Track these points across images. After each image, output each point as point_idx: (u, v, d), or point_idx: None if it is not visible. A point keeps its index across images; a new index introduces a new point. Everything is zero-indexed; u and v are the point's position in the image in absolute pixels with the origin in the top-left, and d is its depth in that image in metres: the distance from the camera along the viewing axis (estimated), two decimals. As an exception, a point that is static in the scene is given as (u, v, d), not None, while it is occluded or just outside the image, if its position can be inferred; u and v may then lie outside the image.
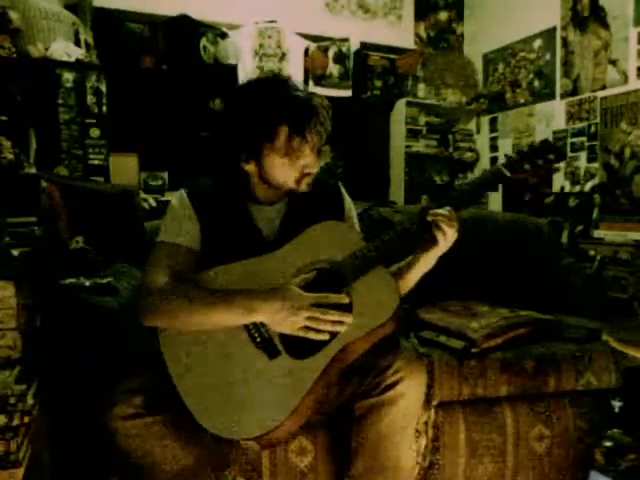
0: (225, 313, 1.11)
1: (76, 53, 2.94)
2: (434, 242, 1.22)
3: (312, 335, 1.10)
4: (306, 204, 1.31)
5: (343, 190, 1.43)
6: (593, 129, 3.57)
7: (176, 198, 1.30)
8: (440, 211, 1.20)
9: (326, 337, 1.10)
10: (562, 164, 3.69)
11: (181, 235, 1.24)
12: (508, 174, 1.24)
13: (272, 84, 1.24)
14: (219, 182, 1.34)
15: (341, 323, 1.10)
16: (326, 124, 1.22)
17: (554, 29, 3.87)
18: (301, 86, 1.26)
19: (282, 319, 1.10)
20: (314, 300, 1.11)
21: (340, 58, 4.32)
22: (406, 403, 1.14)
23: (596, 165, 3.55)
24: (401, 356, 1.16)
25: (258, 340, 1.13)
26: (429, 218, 1.20)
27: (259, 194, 1.31)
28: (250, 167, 1.25)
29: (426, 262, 1.27)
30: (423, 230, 1.22)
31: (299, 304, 1.10)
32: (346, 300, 1.13)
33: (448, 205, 1.22)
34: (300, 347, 1.11)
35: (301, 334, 1.10)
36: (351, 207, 1.43)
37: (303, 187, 1.26)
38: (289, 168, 1.22)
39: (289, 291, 1.12)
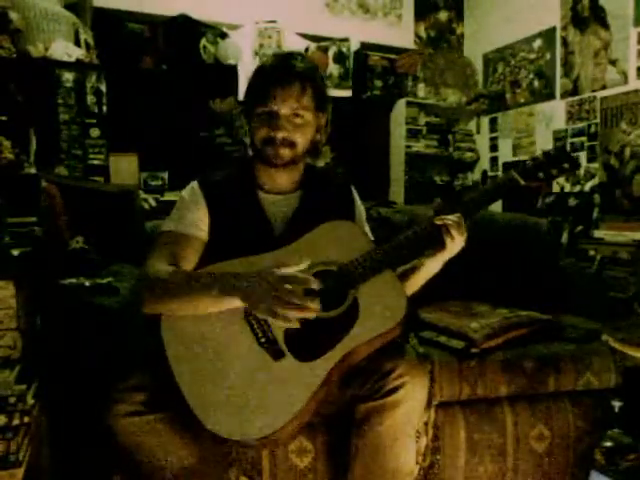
0: (203, 293, 1.10)
1: (76, 53, 2.94)
2: (442, 247, 1.23)
3: (279, 321, 1.03)
4: (318, 200, 1.33)
5: (355, 192, 1.45)
6: (593, 129, 3.57)
7: (187, 189, 1.34)
8: (450, 217, 1.21)
9: (296, 325, 1.04)
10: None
11: (184, 223, 1.26)
12: (522, 182, 1.24)
13: (274, 57, 1.35)
14: (230, 171, 1.38)
15: (307, 308, 1.02)
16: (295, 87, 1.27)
17: (554, 29, 3.87)
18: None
19: (256, 299, 1.05)
20: (281, 274, 1.05)
21: (340, 58, 4.32)
22: (408, 407, 1.13)
23: (596, 165, 3.55)
24: (404, 360, 1.16)
25: (262, 340, 1.12)
26: (439, 222, 1.21)
27: (265, 181, 1.34)
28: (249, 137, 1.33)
29: (432, 267, 1.29)
30: (432, 235, 1.22)
31: (268, 279, 1.04)
32: (315, 284, 1.06)
33: (460, 211, 1.23)
34: (305, 349, 1.10)
35: (270, 318, 1.05)
36: (361, 210, 1.44)
37: (269, 152, 1.27)
38: (259, 125, 1.27)
39: (267, 272, 1.07)
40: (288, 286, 1.03)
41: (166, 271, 1.18)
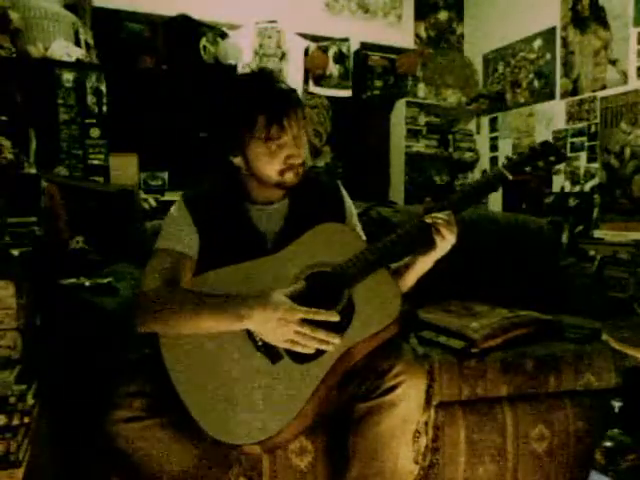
0: (214, 319, 1.10)
1: (76, 53, 2.94)
2: (432, 246, 1.23)
3: (298, 349, 1.08)
4: (307, 205, 1.32)
5: (343, 189, 1.44)
6: (593, 129, 3.57)
7: (174, 206, 1.32)
8: (440, 215, 1.21)
9: (311, 351, 1.09)
10: (562, 165, 3.69)
11: (176, 241, 1.25)
12: (510, 176, 1.25)
13: (253, 77, 1.30)
14: (216, 185, 1.35)
15: (327, 343, 1.08)
16: (320, 121, 1.28)
17: (554, 29, 3.87)
18: (297, 85, 1.31)
19: (270, 329, 1.08)
20: (304, 315, 1.08)
21: (340, 58, 4.32)
22: (405, 407, 1.13)
23: (596, 165, 3.55)
24: (402, 359, 1.16)
25: (260, 344, 1.12)
26: (429, 221, 1.21)
27: (255, 194, 1.32)
28: (238, 160, 1.28)
29: (423, 265, 1.29)
30: (422, 233, 1.22)
31: (289, 317, 1.07)
32: (336, 318, 1.10)
33: (449, 208, 1.22)
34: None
35: (287, 346, 1.09)
36: (351, 206, 1.43)
37: (288, 179, 1.26)
38: (271, 158, 1.23)
39: (281, 302, 1.10)
40: (309, 328, 1.07)
41: (168, 292, 1.17)
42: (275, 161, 1.23)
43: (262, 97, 1.22)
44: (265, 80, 1.26)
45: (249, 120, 1.21)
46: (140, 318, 1.15)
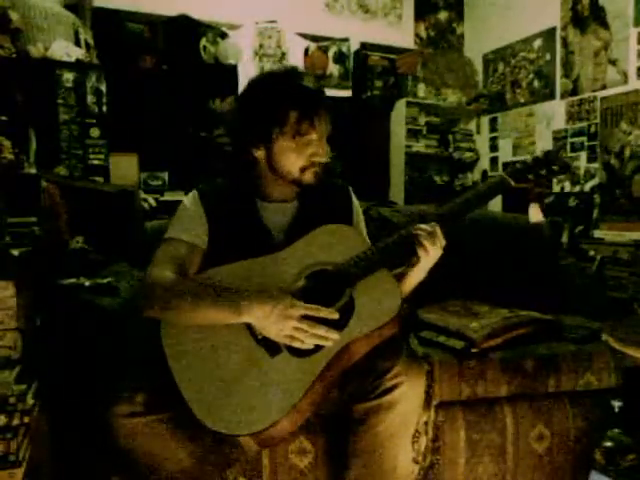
0: (214, 310, 1.12)
1: (76, 53, 2.94)
2: (417, 258, 1.23)
3: (297, 344, 1.09)
4: (316, 206, 1.33)
5: (353, 194, 1.45)
6: (593, 129, 3.57)
7: (188, 197, 1.34)
8: (422, 226, 1.20)
9: (310, 347, 1.10)
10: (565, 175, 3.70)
11: (186, 232, 1.27)
12: (513, 183, 1.26)
13: (286, 73, 1.31)
14: (230, 181, 1.38)
15: (326, 339, 1.09)
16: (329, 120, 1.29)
17: (554, 29, 3.87)
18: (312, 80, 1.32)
19: (270, 324, 1.09)
20: (304, 312, 1.09)
21: (340, 58, 4.32)
22: (404, 408, 1.13)
23: (596, 165, 3.55)
24: (401, 360, 1.16)
25: (259, 337, 1.13)
26: (415, 231, 1.21)
27: (269, 190, 1.34)
28: (260, 153, 1.29)
29: (415, 274, 1.28)
30: (410, 242, 1.22)
31: (289, 313, 1.08)
32: (336, 316, 1.11)
33: (451, 215, 1.23)
34: None
35: (286, 342, 1.10)
36: (359, 210, 1.45)
37: (308, 177, 1.27)
38: (296, 154, 1.25)
39: (281, 298, 1.11)
40: (308, 324, 1.08)
41: (174, 280, 1.18)
42: (299, 157, 1.26)
43: (296, 93, 1.25)
44: (298, 77, 1.29)
45: (281, 114, 1.24)
46: (144, 303, 1.17)
